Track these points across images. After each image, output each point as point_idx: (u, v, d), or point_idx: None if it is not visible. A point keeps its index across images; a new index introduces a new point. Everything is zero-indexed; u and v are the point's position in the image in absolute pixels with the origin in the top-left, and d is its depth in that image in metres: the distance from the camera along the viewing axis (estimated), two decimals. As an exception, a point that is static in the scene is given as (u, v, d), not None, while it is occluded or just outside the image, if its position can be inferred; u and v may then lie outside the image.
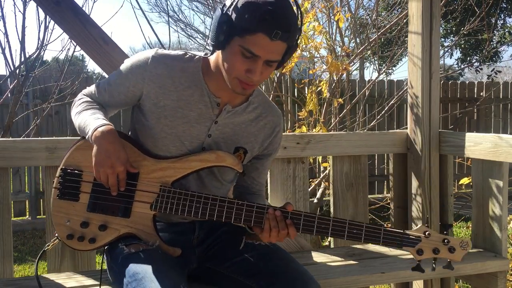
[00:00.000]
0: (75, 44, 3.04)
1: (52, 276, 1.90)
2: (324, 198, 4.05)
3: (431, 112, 2.35)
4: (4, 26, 3.10)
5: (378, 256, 2.16)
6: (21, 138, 2.14)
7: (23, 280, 1.95)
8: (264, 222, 1.45)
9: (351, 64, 4.07)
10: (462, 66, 10.12)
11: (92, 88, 1.63)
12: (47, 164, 1.98)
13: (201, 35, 8.44)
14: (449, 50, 9.16)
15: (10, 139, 2.09)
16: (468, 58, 10.79)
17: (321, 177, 3.75)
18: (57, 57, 3.94)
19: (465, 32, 5.61)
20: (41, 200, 5.65)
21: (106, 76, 2.10)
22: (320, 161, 3.54)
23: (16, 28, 3.07)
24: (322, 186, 3.80)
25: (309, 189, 3.44)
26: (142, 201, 1.49)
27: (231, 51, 1.39)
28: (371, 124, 4.07)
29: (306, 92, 3.49)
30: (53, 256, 2.00)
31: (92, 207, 1.49)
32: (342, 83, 4.16)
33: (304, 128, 3.31)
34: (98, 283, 1.80)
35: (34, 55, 3.25)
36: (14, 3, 3.04)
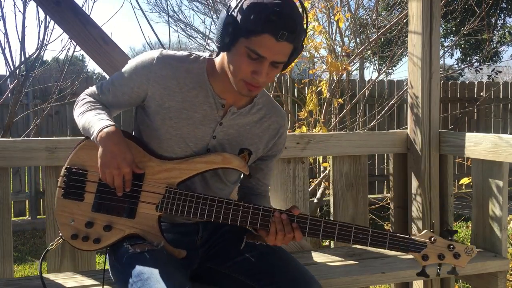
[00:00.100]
0: (75, 44, 3.04)
1: (52, 276, 1.90)
2: (324, 198, 4.05)
3: (431, 112, 2.35)
4: (4, 26, 3.10)
5: (378, 256, 2.16)
6: (21, 138, 2.14)
7: (23, 280, 1.95)
8: (270, 225, 1.45)
9: (351, 64, 4.07)
10: (462, 66, 10.12)
11: (95, 88, 1.62)
12: (47, 164, 1.98)
13: (201, 35, 8.44)
14: (449, 50, 9.16)
15: (10, 139, 2.09)
16: (468, 58, 10.79)
17: (321, 177, 3.75)
18: (57, 57, 3.94)
19: (465, 32, 5.61)
20: (41, 200, 5.64)
21: (107, 76, 2.10)
22: (320, 161, 3.54)
23: (16, 28, 3.07)
24: (322, 186, 3.80)
25: (309, 189, 3.44)
26: (147, 202, 1.49)
27: (236, 52, 1.38)
28: (371, 124, 4.07)
29: (306, 92, 3.49)
30: (53, 256, 2.00)
31: (97, 207, 1.49)
32: (342, 83, 4.16)
33: (304, 128, 3.31)
34: (98, 283, 1.80)
35: (34, 55, 3.25)
36: (14, 3, 3.04)
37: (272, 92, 3.74)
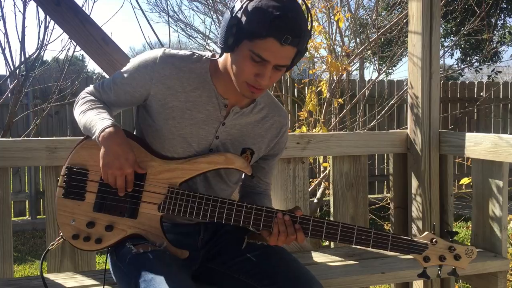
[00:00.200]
0: (75, 44, 3.04)
1: (52, 276, 1.90)
2: (324, 198, 4.05)
3: (431, 112, 2.35)
4: (4, 26, 3.09)
5: (378, 256, 2.16)
6: (21, 138, 2.14)
7: (23, 280, 1.95)
8: (272, 226, 1.45)
9: (351, 64, 4.08)
10: (462, 66, 10.12)
11: (96, 87, 1.61)
12: (47, 164, 1.98)
13: (201, 35, 8.43)
14: (449, 50, 9.16)
15: (10, 139, 2.09)
16: (468, 58, 10.79)
17: (321, 177, 3.75)
18: (57, 57, 3.94)
19: (465, 32, 5.61)
20: (41, 200, 5.64)
21: (107, 76, 2.10)
22: (320, 161, 3.54)
23: (16, 28, 3.06)
24: (322, 186, 3.80)
25: (309, 189, 3.44)
26: (149, 202, 1.48)
27: (240, 54, 1.38)
28: (371, 124, 4.07)
29: (306, 92, 3.49)
30: (53, 256, 2.00)
31: (99, 207, 1.48)
32: (342, 83, 4.15)
33: (304, 128, 3.31)
34: (98, 283, 1.80)
35: (34, 55, 3.25)
36: (14, 3, 3.04)
37: (272, 92, 3.74)
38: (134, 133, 1.62)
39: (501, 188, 2.12)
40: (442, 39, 10.10)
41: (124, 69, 1.55)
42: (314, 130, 3.35)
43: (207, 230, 1.64)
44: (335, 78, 3.60)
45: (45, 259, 1.59)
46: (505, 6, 10.35)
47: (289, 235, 1.44)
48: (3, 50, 3.10)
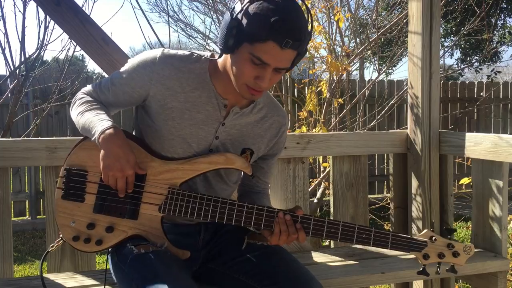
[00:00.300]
0: (75, 44, 3.04)
1: (52, 276, 1.90)
2: (324, 198, 4.05)
3: (431, 112, 2.35)
4: (4, 26, 3.10)
5: (378, 256, 2.16)
6: (21, 138, 2.14)
7: (23, 280, 1.95)
8: (274, 226, 1.45)
9: (351, 64, 4.08)
10: (462, 66, 10.12)
11: (93, 87, 1.60)
12: (47, 164, 1.98)
13: (201, 35, 8.43)
14: (449, 50, 9.16)
15: (10, 139, 2.09)
16: (468, 58, 10.78)
17: (321, 177, 3.75)
18: (57, 57, 3.94)
19: (465, 32, 5.61)
20: (41, 200, 5.65)
21: (106, 76, 2.10)
22: (320, 161, 3.54)
23: (16, 28, 3.07)
24: (322, 186, 3.80)
25: (309, 189, 3.44)
26: (150, 203, 1.48)
27: (240, 57, 1.37)
28: (371, 124, 4.07)
29: (306, 92, 3.49)
30: (53, 256, 2.00)
31: (99, 209, 1.47)
32: (342, 83, 4.16)
33: (304, 128, 3.31)
34: (99, 283, 1.80)
35: (34, 55, 3.25)
36: (14, 3, 3.04)
37: (272, 92, 3.74)
38: (134, 134, 1.61)
39: (501, 188, 2.12)
40: (442, 39, 10.10)
41: (122, 69, 1.54)
42: (314, 130, 3.35)
43: (207, 230, 1.63)
44: (335, 78, 3.60)
45: (45, 260, 1.58)
46: (505, 6, 10.35)
47: (290, 235, 1.44)
48: (3, 50, 3.10)
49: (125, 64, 1.55)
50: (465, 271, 2.07)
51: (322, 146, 2.28)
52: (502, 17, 10.86)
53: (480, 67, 10.81)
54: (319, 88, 3.42)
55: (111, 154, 1.40)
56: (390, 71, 7.73)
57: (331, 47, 4.15)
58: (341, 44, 4.41)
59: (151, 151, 1.52)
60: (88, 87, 1.62)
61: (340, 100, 3.58)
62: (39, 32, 3.14)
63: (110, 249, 1.53)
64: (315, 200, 3.83)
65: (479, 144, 2.15)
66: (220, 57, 1.47)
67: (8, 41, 3.09)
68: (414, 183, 2.40)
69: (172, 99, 1.49)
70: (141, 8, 3.58)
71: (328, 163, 3.17)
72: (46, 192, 2.00)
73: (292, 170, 2.26)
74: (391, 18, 5.57)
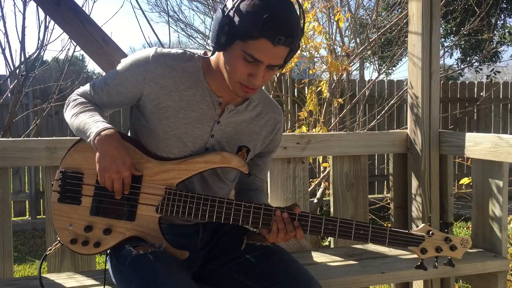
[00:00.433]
0: (75, 44, 3.04)
1: (52, 276, 1.90)
2: (324, 198, 4.05)
3: (431, 112, 2.35)
4: (4, 26, 3.10)
5: (378, 256, 2.16)
6: (21, 138, 2.14)
7: (23, 280, 1.95)
8: (271, 224, 1.45)
9: (351, 64, 4.08)
10: (462, 66, 10.12)
11: (86, 88, 1.59)
12: (47, 164, 1.98)
13: (201, 35, 8.45)
14: (449, 50, 9.16)
15: (10, 139, 2.09)
16: (468, 58, 10.79)
17: (321, 177, 3.75)
18: (57, 57, 3.95)
19: (465, 32, 5.62)
20: (41, 200, 5.65)
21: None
22: (320, 161, 3.54)
23: (16, 28, 3.07)
24: (322, 186, 3.80)
25: (309, 189, 3.44)
26: (147, 204, 1.47)
27: (232, 54, 1.37)
28: (371, 124, 4.07)
29: (306, 92, 3.49)
30: (53, 256, 2.00)
31: (96, 211, 1.46)
32: (342, 83, 4.16)
33: (304, 128, 3.31)
34: (98, 283, 1.80)
35: (34, 55, 3.25)
36: (14, 3, 3.05)
37: (272, 92, 3.74)
38: (129, 134, 1.61)
39: (501, 188, 2.12)
40: (442, 39, 10.11)
41: (116, 69, 1.53)
42: (314, 130, 3.35)
43: (206, 230, 1.63)
44: (335, 78, 3.61)
45: (43, 261, 1.58)
46: (505, 6, 10.35)
47: (288, 232, 1.44)
48: (3, 50, 3.10)
49: (118, 64, 1.54)
50: (465, 271, 2.07)
51: (322, 146, 2.28)
52: (502, 17, 10.86)
53: (480, 67, 10.82)
54: (319, 88, 3.42)
55: (107, 155, 1.39)
56: (390, 71, 7.74)
57: (331, 47, 4.15)
58: (341, 44, 4.41)
59: (146, 152, 1.51)
60: (82, 88, 1.61)
61: (340, 100, 3.58)
62: (39, 32, 3.15)
63: (109, 251, 1.52)
64: (315, 200, 3.83)
65: (479, 144, 2.15)
66: (212, 54, 1.47)
67: (8, 41, 3.10)
68: (414, 183, 2.40)
69: (166, 98, 1.49)
70: (141, 8, 3.58)
71: (328, 163, 3.17)
72: (46, 192, 2.00)
73: (292, 170, 2.26)
74: (391, 18, 5.57)
